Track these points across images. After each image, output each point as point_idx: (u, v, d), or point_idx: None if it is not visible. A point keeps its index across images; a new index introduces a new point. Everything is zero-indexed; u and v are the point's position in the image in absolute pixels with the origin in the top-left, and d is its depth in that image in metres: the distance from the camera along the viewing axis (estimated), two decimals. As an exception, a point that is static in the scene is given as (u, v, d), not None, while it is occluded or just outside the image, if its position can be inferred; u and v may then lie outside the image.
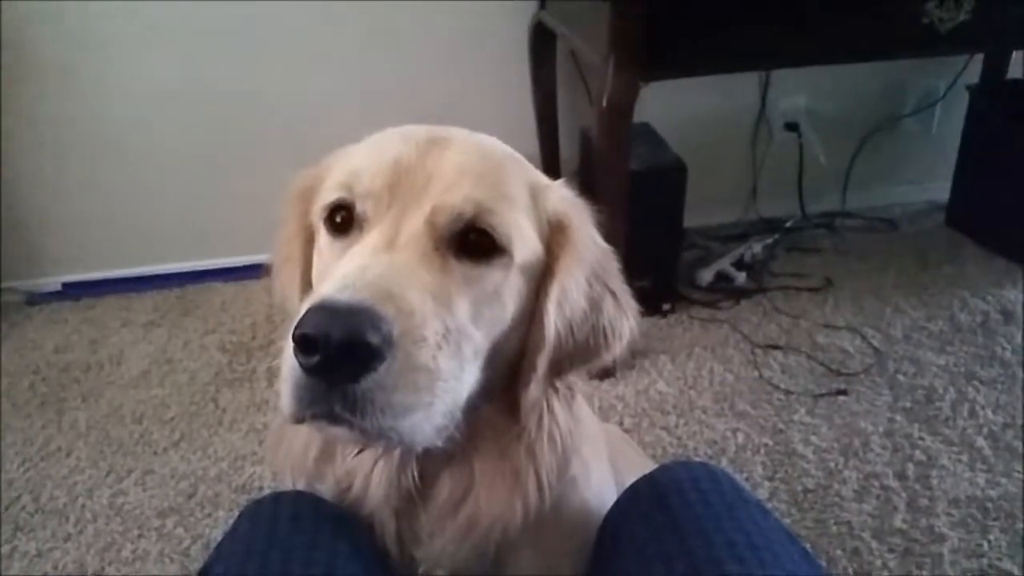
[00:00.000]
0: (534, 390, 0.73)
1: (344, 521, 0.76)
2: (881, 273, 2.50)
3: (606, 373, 2.02)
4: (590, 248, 0.75)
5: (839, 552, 1.51)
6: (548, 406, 0.77)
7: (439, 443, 0.64)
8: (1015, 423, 1.84)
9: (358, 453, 0.76)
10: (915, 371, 2.03)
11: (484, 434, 0.74)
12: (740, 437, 1.82)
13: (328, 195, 0.71)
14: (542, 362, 0.72)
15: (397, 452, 0.74)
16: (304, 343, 0.54)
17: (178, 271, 2.57)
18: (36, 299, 2.51)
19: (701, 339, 2.20)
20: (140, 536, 1.61)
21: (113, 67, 2.29)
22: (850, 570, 1.48)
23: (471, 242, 0.67)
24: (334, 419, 0.57)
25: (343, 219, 0.70)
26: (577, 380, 0.85)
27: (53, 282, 2.55)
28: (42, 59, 2.26)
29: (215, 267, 2.54)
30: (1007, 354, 2.09)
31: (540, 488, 0.75)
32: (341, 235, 0.70)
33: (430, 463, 0.75)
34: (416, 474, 0.75)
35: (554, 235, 0.74)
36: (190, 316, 2.38)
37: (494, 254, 0.68)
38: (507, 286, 0.69)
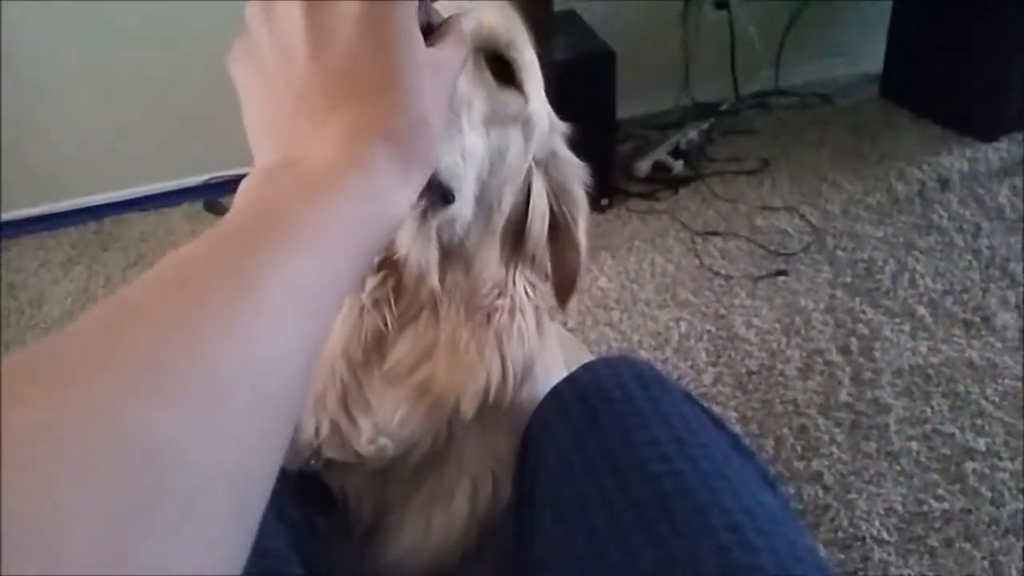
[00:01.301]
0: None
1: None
2: (817, 150, 2.47)
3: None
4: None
5: (786, 431, 1.52)
6: (520, 307, 0.74)
7: (435, 208, 0.62)
8: (954, 289, 1.85)
9: None
10: (854, 245, 2.03)
11: (458, 302, 0.71)
12: (683, 326, 1.80)
13: None
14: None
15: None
16: None
17: (93, 204, 2.43)
18: (-54, 247, 2.38)
19: (641, 232, 2.16)
20: (75, 481, 1.55)
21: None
22: (798, 448, 1.48)
23: (497, 71, 0.66)
24: None
25: None
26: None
27: (-38, 228, 2.42)
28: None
29: (132, 197, 2.42)
30: (944, 221, 2.09)
31: (504, 373, 0.72)
32: None
33: (398, 315, 0.71)
34: (378, 324, 0.70)
35: (553, 179, 0.77)
36: (110, 250, 2.27)
37: (512, 86, 0.67)
38: (515, 125, 0.68)
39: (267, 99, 0.47)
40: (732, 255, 2.03)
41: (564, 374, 0.88)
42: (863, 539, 1.32)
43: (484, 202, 0.68)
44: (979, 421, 1.51)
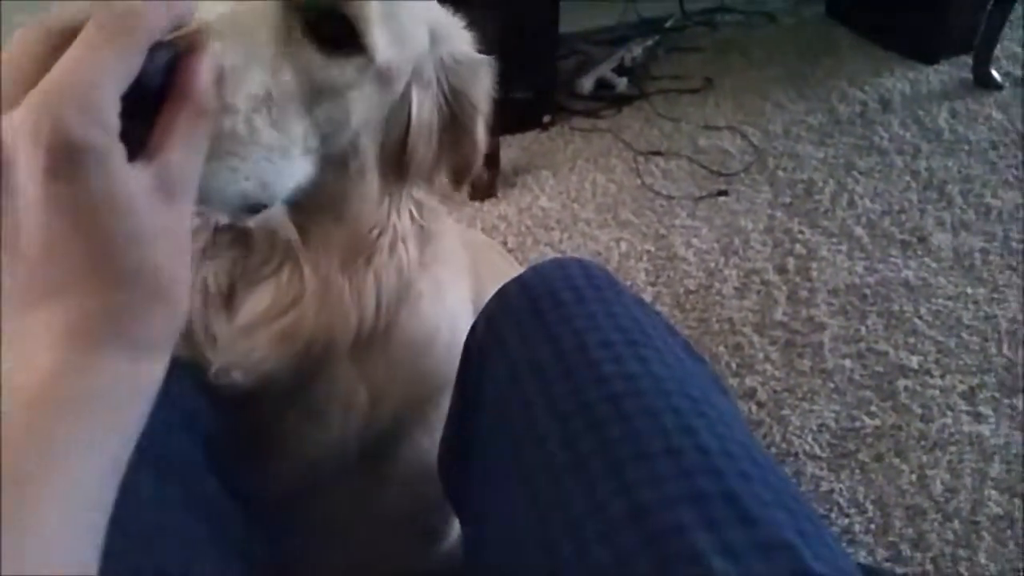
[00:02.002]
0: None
1: None
2: (761, 69, 2.45)
3: (487, 193, 1.94)
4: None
5: (722, 349, 1.52)
6: (402, 233, 0.71)
7: (250, 219, 0.60)
8: (892, 210, 1.85)
9: None
10: (795, 166, 2.01)
11: (333, 251, 0.67)
12: (623, 246, 1.78)
13: None
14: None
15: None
16: None
17: None
18: None
19: (583, 150, 2.12)
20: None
21: None
22: (732, 365, 1.48)
23: (326, 32, 0.56)
24: None
25: None
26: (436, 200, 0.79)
27: None
28: None
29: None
30: (885, 143, 2.09)
31: (378, 309, 0.69)
32: None
33: (250, 271, 0.68)
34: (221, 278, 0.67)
35: (450, 86, 0.70)
36: None
37: (351, 51, 0.57)
38: (357, 89, 0.59)
39: None
40: (674, 175, 2.00)
41: (465, 287, 0.87)
42: (795, 455, 1.33)
43: (332, 160, 0.63)
44: (912, 339, 1.53)
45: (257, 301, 0.67)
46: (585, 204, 1.92)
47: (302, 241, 0.66)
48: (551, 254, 1.77)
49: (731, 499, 0.47)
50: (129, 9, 0.39)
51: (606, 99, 2.31)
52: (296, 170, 0.58)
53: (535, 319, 0.65)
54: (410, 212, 0.73)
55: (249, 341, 0.67)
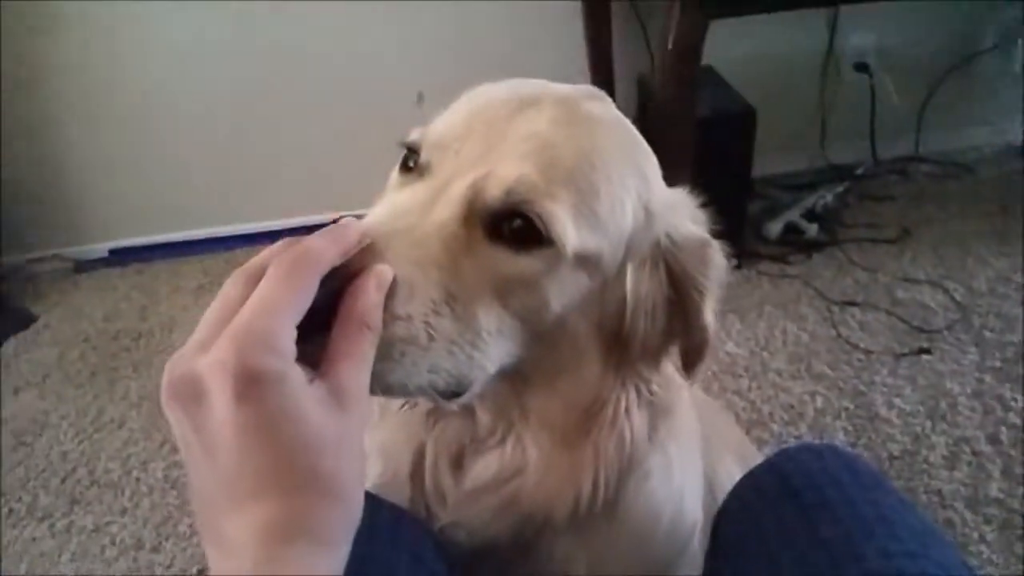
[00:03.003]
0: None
1: (399, 520, 0.71)
2: (960, 221, 2.35)
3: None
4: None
5: (932, 524, 1.42)
6: (626, 407, 0.70)
7: (452, 402, 0.63)
8: (1115, 383, 1.72)
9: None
10: (1002, 326, 1.91)
11: (550, 425, 0.69)
12: (819, 401, 1.71)
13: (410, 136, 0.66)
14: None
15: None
16: None
17: (227, 235, 2.50)
18: (83, 266, 2.47)
19: (772, 296, 2.08)
20: (197, 511, 1.57)
21: (153, 27, 2.21)
22: (945, 544, 1.38)
23: (513, 228, 0.58)
24: None
25: (414, 163, 0.64)
26: (671, 373, 0.77)
27: (100, 248, 2.50)
28: (81, 26, 2.19)
29: (264, 230, 2.47)
30: (1102, 308, 1.95)
31: (595, 485, 0.69)
32: (407, 175, 0.65)
33: (478, 436, 0.71)
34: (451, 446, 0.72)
35: (670, 266, 0.68)
36: (240, 281, 2.31)
37: (539, 244, 0.58)
38: (551, 278, 0.60)
39: (194, 495, 0.48)
40: (871, 328, 1.93)
41: (696, 465, 0.86)
42: (1021, 654, 1.21)
43: (542, 339, 0.64)
44: None
45: (483, 468, 0.70)
46: (775, 353, 1.87)
47: (523, 414, 0.69)
48: (740, 403, 1.73)
49: None
50: (302, 251, 0.48)
51: (795, 244, 2.28)
52: (493, 354, 0.60)
53: (798, 514, 0.64)
54: (637, 387, 0.71)
55: (475, 504, 0.70)
